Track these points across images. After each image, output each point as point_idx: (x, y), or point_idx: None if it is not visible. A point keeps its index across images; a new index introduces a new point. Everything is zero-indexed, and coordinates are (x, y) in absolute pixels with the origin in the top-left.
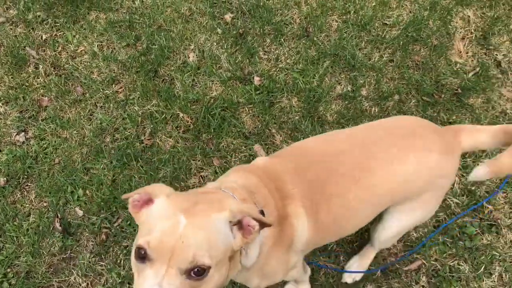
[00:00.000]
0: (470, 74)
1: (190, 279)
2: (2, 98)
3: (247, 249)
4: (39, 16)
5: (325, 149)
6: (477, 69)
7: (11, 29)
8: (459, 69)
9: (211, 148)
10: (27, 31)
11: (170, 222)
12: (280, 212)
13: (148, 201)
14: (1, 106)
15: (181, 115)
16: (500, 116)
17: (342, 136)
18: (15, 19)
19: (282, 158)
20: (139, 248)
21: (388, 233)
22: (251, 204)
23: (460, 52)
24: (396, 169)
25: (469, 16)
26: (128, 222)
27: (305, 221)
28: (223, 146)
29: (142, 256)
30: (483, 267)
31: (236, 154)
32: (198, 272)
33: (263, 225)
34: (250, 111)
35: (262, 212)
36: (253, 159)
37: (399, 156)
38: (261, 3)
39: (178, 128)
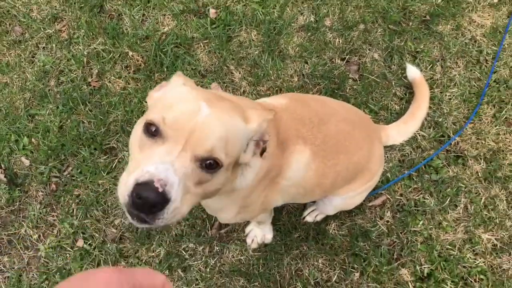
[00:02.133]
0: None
1: (202, 170)
2: None
3: (244, 170)
4: None
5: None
6: None
7: None
8: None
9: None
10: None
11: (191, 105)
12: (281, 142)
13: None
14: None
15: (130, 53)
16: (469, 44)
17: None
18: None
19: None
20: (150, 124)
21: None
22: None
23: None
24: (363, 148)
25: None
26: (79, 170)
27: (308, 161)
28: None
29: (152, 134)
30: (448, 199)
31: None
32: (211, 165)
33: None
34: (206, 47)
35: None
36: None
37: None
38: None
39: (128, 68)
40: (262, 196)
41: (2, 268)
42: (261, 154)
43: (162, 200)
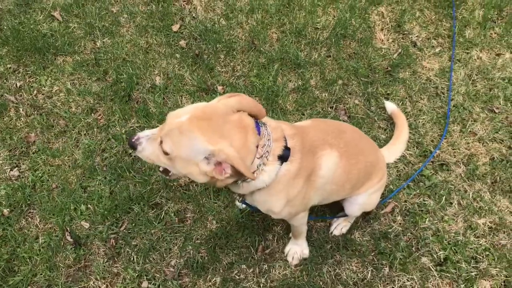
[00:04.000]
0: (395, 55)
1: (161, 149)
2: None
3: (259, 174)
4: (9, 67)
5: (340, 126)
6: (399, 50)
7: None
8: (385, 53)
9: None
10: (1, 82)
11: (182, 113)
12: (309, 150)
13: None
14: None
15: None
16: (426, 83)
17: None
18: None
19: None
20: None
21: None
22: (243, 156)
23: (382, 40)
24: (372, 152)
25: (382, 12)
26: (134, 224)
27: (337, 161)
28: None
29: None
30: (443, 198)
31: None
32: (165, 151)
33: (241, 174)
34: None
35: (288, 149)
36: None
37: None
38: (209, 28)
39: None
40: (303, 192)
41: None
42: (241, 176)
43: (132, 144)
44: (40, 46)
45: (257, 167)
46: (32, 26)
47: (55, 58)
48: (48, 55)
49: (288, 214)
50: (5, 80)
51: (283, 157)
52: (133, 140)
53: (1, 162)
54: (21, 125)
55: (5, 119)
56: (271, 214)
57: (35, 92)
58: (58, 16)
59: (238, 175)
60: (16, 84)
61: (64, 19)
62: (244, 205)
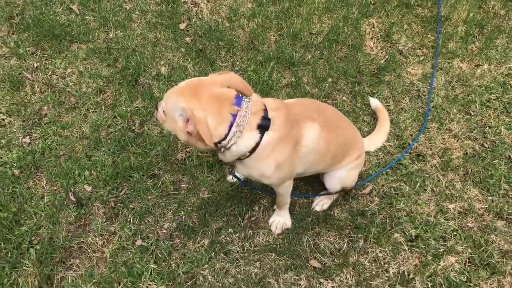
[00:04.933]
0: (382, 61)
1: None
2: (5, 112)
3: (238, 142)
4: (29, 50)
5: (322, 106)
6: (387, 57)
7: (5, 62)
8: (373, 58)
9: None
10: (20, 62)
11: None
12: (293, 121)
13: None
14: (5, 119)
15: None
16: (410, 86)
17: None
18: (8, 54)
19: (304, 100)
20: None
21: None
22: (214, 121)
23: (371, 47)
24: (350, 129)
25: (373, 23)
26: (132, 190)
27: (319, 132)
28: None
29: None
30: (418, 185)
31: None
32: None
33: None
34: None
35: (268, 120)
36: None
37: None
38: (213, 28)
39: None
40: (290, 159)
41: (75, 268)
42: (197, 134)
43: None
44: (58, 33)
45: (234, 133)
46: (51, 17)
47: (70, 45)
48: (64, 42)
49: (277, 179)
50: (23, 61)
51: (263, 127)
52: (157, 104)
53: (15, 130)
54: (35, 100)
55: (21, 93)
56: (263, 179)
57: (50, 72)
58: (75, 9)
59: (199, 137)
60: (33, 65)
61: (81, 12)
62: (234, 179)
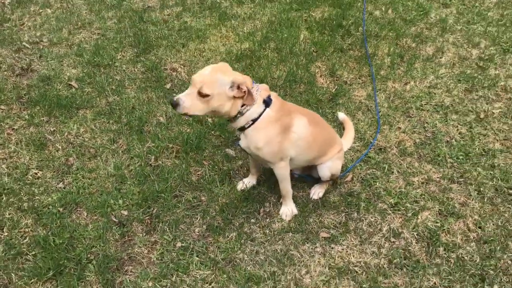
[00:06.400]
0: (333, 90)
1: (199, 96)
2: (36, 168)
3: (249, 107)
4: (43, 119)
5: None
6: (336, 87)
7: (25, 131)
8: (325, 90)
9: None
10: (37, 130)
11: (204, 69)
12: (286, 111)
13: None
14: (38, 172)
15: (171, 145)
16: (359, 104)
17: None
18: (25, 125)
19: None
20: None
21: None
22: (251, 82)
23: (322, 82)
24: (329, 128)
25: (319, 65)
26: (162, 208)
27: (307, 125)
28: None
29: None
30: (386, 169)
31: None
32: (201, 94)
33: (250, 93)
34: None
35: (271, 100)
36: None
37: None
38: None
39: (171, 153)
40: (279, 137)
41: (130, 273)
42: (249, 95)
43: (174, 104)
44: (64, 103)
45: None
46: (55, 92)
47: (77, 111)
48: (72, 109)
49: (269, 153)
50: (40, 128)
51: (267, 103)
52: (174, 100)
53: (48, 179)
54: (59, 155)
55: (45, 152)
56: (258, 152)
57: (66, 134)
58: (74, 84)
59: (249, 96)
60: (50, 129)
61: (79, 86)
62: (244, 187)
